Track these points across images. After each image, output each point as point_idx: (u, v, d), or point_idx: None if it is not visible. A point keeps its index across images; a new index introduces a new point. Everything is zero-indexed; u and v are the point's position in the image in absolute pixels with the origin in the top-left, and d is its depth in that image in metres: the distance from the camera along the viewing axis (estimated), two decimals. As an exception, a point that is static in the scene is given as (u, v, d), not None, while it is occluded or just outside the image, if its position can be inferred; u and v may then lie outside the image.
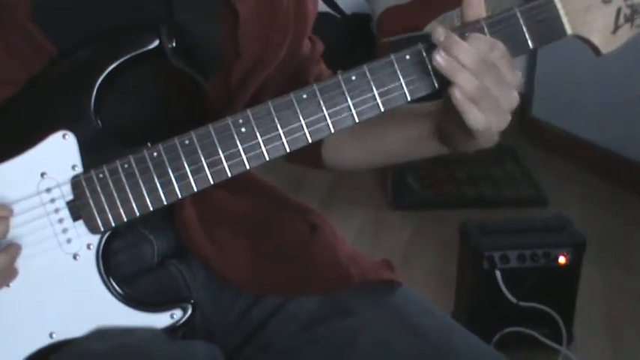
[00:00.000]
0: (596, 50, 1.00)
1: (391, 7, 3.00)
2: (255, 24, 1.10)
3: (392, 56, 0.99)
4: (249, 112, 0.99)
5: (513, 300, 2.19)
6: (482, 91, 0.95)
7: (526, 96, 3.61)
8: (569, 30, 0.98)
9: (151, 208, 1.01)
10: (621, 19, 0.98)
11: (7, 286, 1.02)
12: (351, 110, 0.99)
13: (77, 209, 1.02)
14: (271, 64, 1.14)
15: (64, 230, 1.02)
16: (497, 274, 2.18)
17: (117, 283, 1.04)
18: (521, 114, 3.62)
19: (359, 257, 1.19)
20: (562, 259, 2.20)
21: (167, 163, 1.00)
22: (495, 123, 0.98)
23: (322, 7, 3.32)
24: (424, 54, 0.98)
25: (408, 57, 0.98)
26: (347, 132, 1.15)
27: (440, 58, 0.95)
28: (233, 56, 1.10)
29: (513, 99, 0.98)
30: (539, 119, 3.51)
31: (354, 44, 3.25)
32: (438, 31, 0.96)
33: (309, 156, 1.20)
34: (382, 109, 0.99)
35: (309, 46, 1.23)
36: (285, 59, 1.16)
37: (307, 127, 0.99)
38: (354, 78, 0.98)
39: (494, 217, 2.82)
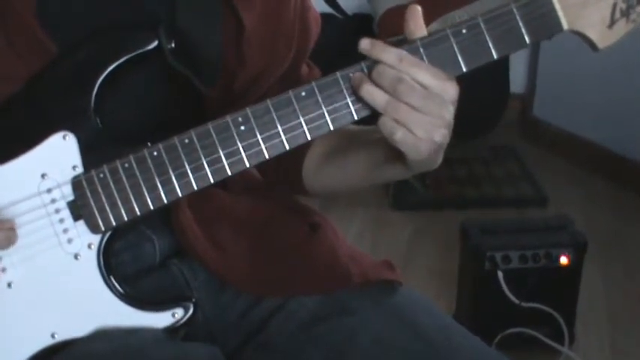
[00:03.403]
0: (592, 45, 1.00)
1: (393, 8, 3.01)
2: (261, 34, 1.11)
3: None
4: (248, 110, 0.99)
5: (515, 300, 2.19)
6: (406, 112, 0.95)
7: (527, 96, 3.61)
8: (565, 25, 0.98)
9: (152, 207, 1.01)
10: (617, 14, 0.98)
11: (9, 287, 1.02)
12: (349, 107, 0.99)
13: (78, 209, 1.02)
14: (274, 76, 1.14)
15: (65, 230, 1.03)
16: (499, 274, 2.18)
17: (118, 283, 1.04)
18: (523, 114, 3.62)
19: (359, 257, 1.19)
20: (564, 260, 2.20)
21: (167, 162, 1.00)
22: (425, 142, 0.97)
23: (324, 8, 3.32)
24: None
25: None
26: (322, 155, 1.15)
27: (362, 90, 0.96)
28: (235, 64, 1.10)
29: (444, 112, 0.97)
30: (541, 119, 3.51)
31: (355, 45, 3.25)
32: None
33: (291, 183, 1.20)
34: None
35: (306, 70, 1.23)
36: (285, 75, 1.16)
37: (306, 124, 0.99)
38: (352, 75, 0.98)
39: (495, 217, 2.81)
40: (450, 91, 0.97)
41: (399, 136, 0.96)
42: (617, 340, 2.35)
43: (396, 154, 1.01)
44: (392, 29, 2.90)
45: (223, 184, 1.07)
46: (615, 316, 2.44)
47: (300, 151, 1.10)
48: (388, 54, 0.96)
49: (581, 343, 2.30)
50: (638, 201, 3.07)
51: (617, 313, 2.46)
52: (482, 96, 3.19)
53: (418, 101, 0.95)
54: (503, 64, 3.29)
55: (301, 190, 1.21)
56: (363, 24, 3.35)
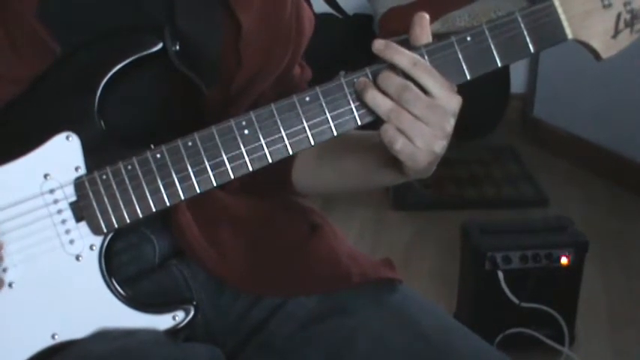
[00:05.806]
0: (596, 55, 1.00)
1: (393, 8, 3.01)
2: (258, 35, 1.11)
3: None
4: (252, 114, 0.99)
5: (515, 301, 2.19)
6: (409, 121, 0.96)
7: (527, 96, 3.61)
8: (569, 34, 0.99)
9: (154, 210, 1.01)
10: (621, 24, 0.98)
11: (10, 287, 1.02)
12: (353, 113, 0.99)
13: (80, 210, 1.02)
14: (271, 77, 1.14)
15: (67, 231, 1.03)
16: (500, 274, 2.18)
17: (119, 284, 1.04)
18: (523, 114, 3.62)
19: (359, 256, 1.19)
20: (564, 260, 2.20)
21: (170, 165, 1.00)
22: (424, 152, 0.97)
23: (324, 8, 3.32)
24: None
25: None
26: (313, 155, 1.14)
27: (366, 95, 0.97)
28: (234, 66, 1.10)
29: (445, 124, 0.97)
30: (541, 119, 3.52)
31: (355, 45, 3.25)
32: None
33: (280, 183, 1.19)
34: None
35: (298, 71, 1.23)
36: (280, 76, 1.16)
37: (310, 129, 0.99)
38: (356, 81, 0.98)
39: (496, 218, 2.82)
40: (453, 103, 0.97)
41: (399, 145, 0.96)
42: (617, 341, 2.35)
43: (392, 161, 1.02)
44: (392, 29, 2.90)
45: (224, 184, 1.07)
46: (616, 317, 2.44)
47: None
48: (402, 56, 0.96)
49: (581, 344, 2.30)
50: (638, 201, 3.07)
51: (617, 313, 2.46)
52: (482, 96, 3.19)
53: (422, 110, 0.96)
54: (503, 64, 3.29)
55: (291, 191, 1.21)
56: (363, 24, 3.36)
